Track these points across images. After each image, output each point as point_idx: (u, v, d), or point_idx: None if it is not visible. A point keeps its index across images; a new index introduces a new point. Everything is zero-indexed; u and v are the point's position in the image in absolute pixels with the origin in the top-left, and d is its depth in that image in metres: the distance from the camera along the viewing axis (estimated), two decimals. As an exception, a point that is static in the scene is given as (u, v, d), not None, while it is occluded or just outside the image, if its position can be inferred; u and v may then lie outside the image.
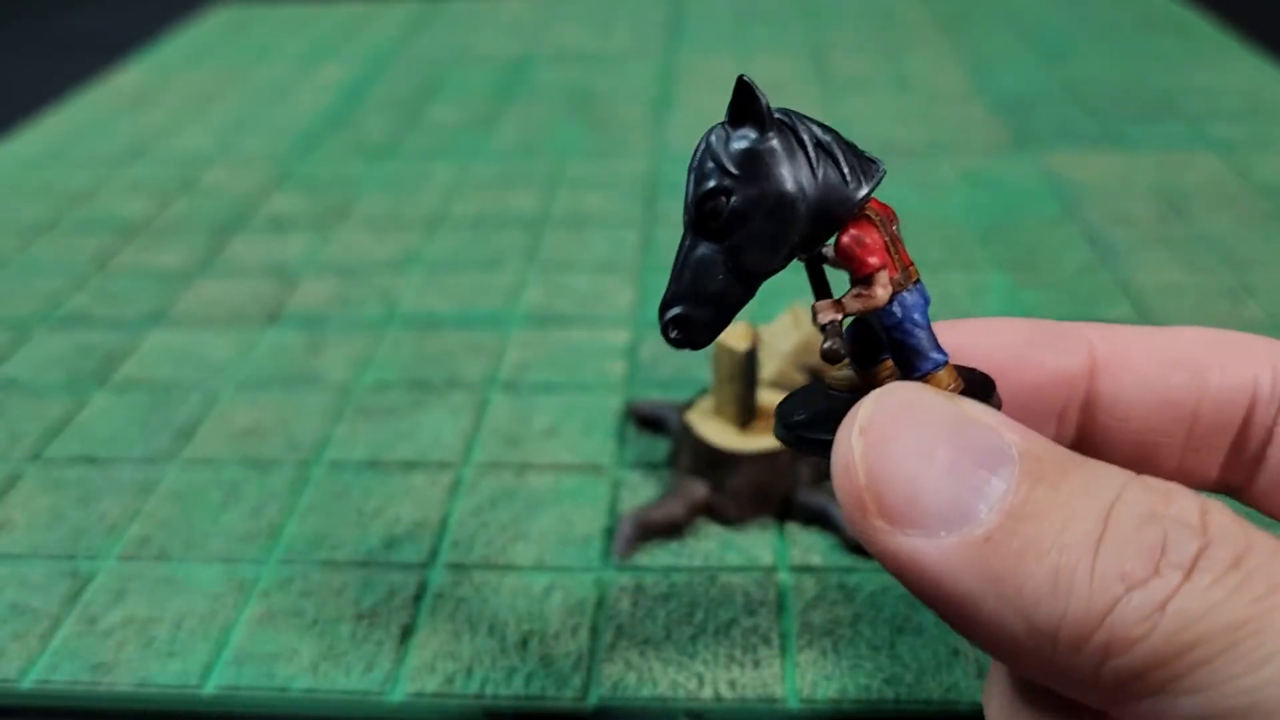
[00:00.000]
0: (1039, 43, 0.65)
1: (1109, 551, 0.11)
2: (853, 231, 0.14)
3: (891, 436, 0.13)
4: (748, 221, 0.14)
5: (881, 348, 0.15)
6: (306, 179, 0.51)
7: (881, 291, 0.14)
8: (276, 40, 0.72)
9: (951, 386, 0.14)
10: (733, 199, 0.14)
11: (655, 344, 0.37)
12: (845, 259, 0.14)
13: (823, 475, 0.29)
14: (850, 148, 0.14)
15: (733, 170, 0.14)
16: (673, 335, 0.14)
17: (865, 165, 0.14)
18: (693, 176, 0.14)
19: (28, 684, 0.25)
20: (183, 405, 0.35)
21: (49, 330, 0.40)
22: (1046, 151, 0.50)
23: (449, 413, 0.34)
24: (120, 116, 0.60)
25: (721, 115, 0.14)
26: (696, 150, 0.14)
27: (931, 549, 0.12)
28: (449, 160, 0.52)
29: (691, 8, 0.75)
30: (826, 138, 0.14)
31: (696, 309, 0.14)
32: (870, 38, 0.68)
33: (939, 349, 0.15)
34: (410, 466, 0.31)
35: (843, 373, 0.16)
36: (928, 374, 0.14)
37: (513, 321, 0.39)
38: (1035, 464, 0.12)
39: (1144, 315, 0.37)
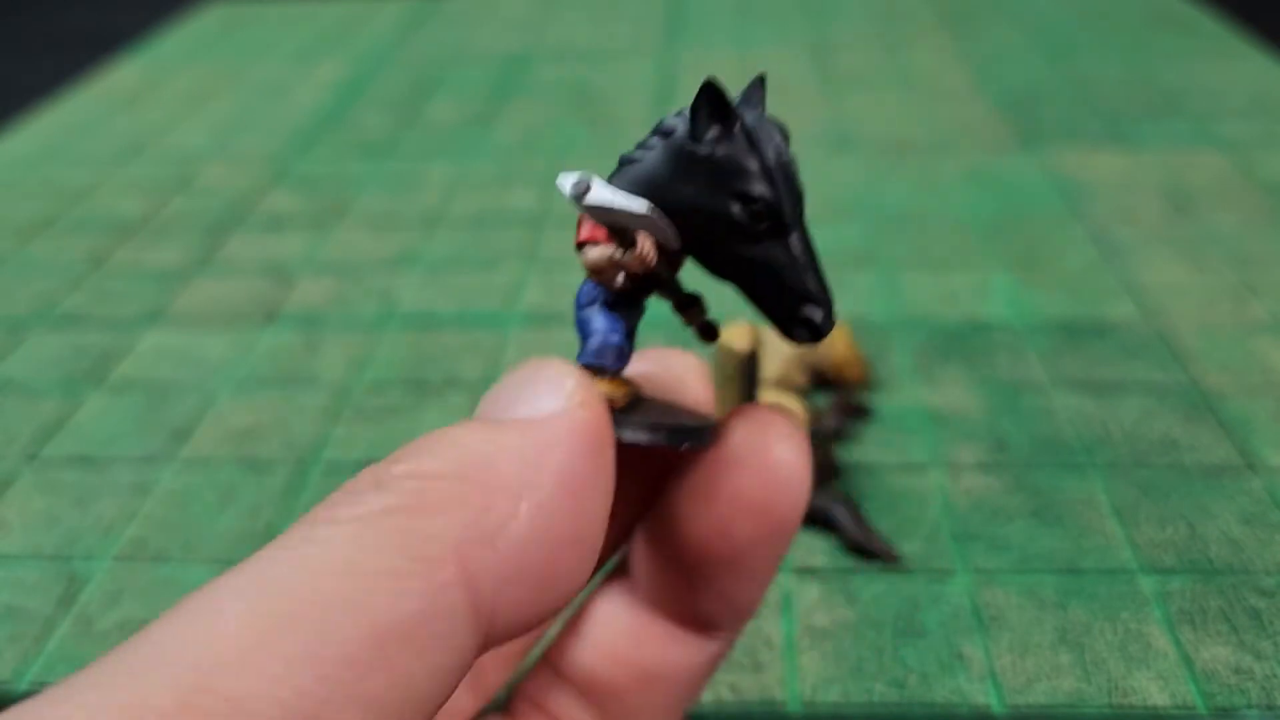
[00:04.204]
0: (1044, 40, 0.65)
1: None
2: None
3: None
4: None
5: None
6: (304, 177, 0.51)
7: None
8: (272, 38, 0.72)
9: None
10: None
11: (655, 344, 0.36)
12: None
13: (824, 478, 0.29)
14: None
15: None
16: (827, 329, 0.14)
17: None
18: (794, 163, 0.13)
19: (24, 686, 0.25)
20: (179, 406, 0.35)
21: (45, 330, 0.39)
22: (1051, 149, 0.50)
23: (448, 413, 0.33)
24: (116, 114, 0.59)
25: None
26: (780, 136, 0.14)
27: None
28: (447, 159, 0.52)
29: (692, 3, 0.75)
30: None
31: None
32: (873, 34, 0.67)
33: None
34: (409, 467, 0.31)
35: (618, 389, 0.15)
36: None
37: (512, 321, 0.38)
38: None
39: (1148, 314, 0.37)
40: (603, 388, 0.14)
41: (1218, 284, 0.39)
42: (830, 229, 0.43)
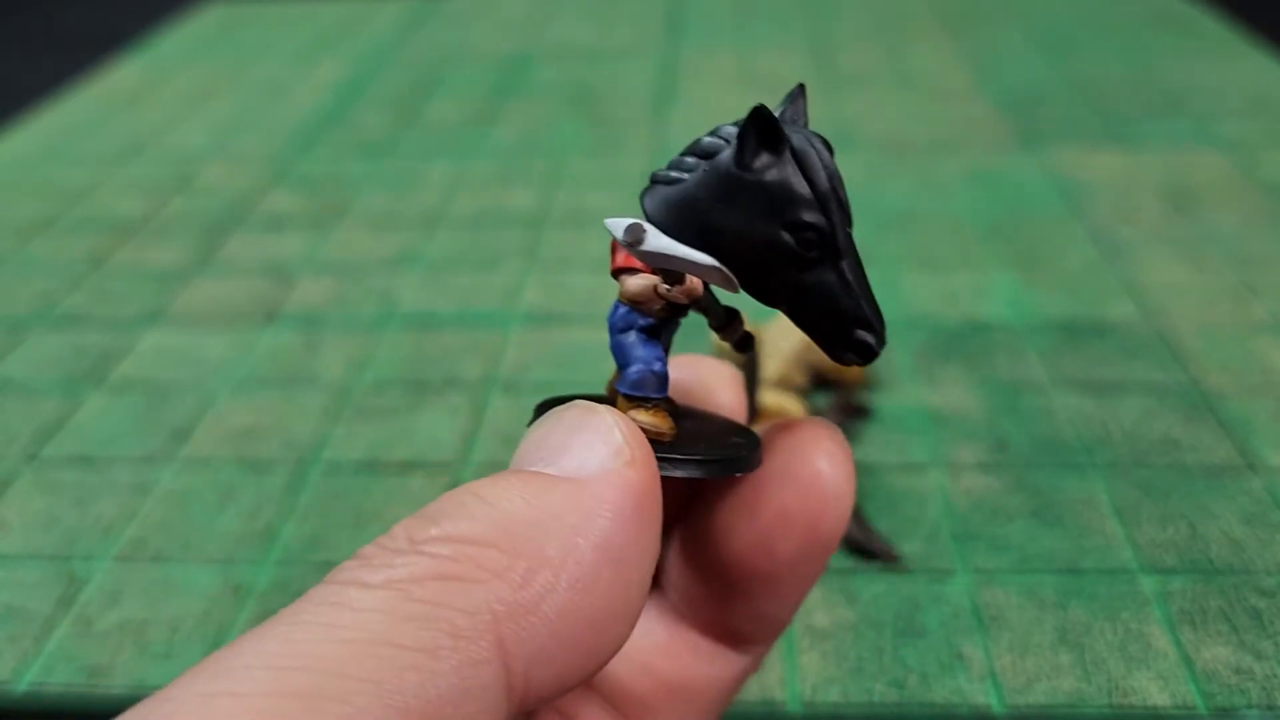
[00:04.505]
0: (1044, 39, 0.65)
1: None
2: None
3: None
4: None
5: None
6: (304, 177, 0.51)
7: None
8: (272, 37, 0.72)
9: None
10: None
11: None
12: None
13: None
14: None
15: None
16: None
17: None
18: (842, 183, 0.13)
19: (23, 687, 0.25)
20: (179, 406, 0.35)
21: (45, 330, 0.39)
22: (1051, 149, 0.50)
23: (447, 413, 0.33)
24: (116, 114, 0.59)
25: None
26: (827, 152, 0.13)
27: None
28: (447, 158, 0.52)
29: (692, 3, 0.75)
30: None
31: None
32: (873, 33, 0.67)
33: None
34: (408, 467, 0.31)
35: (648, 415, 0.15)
36: None
37: (512, 321, 0.38)
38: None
39: (1148, 314, 0.37)
40: (644, 417, 0.14)
41: (1218, 284, 0.39)
42: (830, 229, 0.43)
